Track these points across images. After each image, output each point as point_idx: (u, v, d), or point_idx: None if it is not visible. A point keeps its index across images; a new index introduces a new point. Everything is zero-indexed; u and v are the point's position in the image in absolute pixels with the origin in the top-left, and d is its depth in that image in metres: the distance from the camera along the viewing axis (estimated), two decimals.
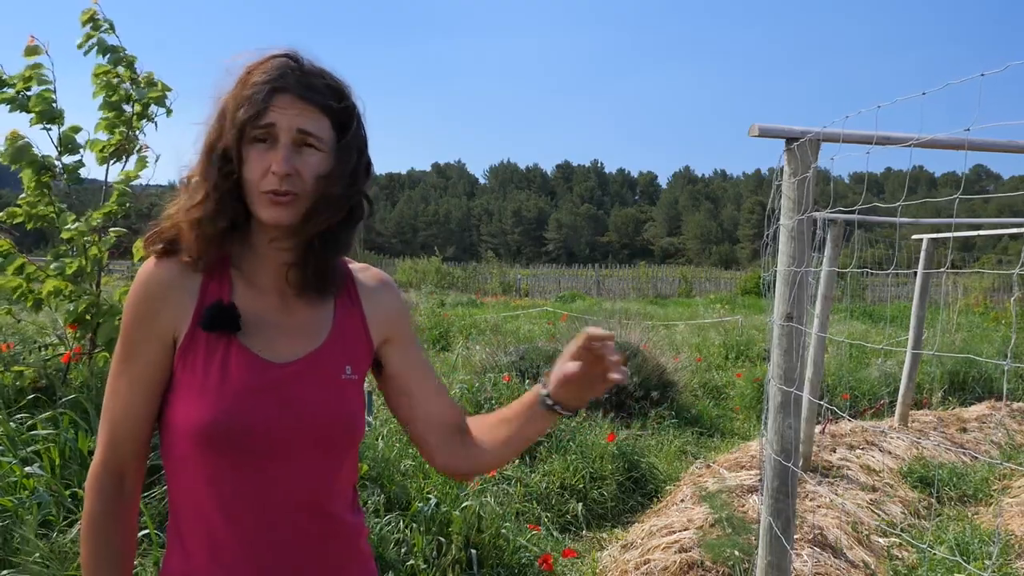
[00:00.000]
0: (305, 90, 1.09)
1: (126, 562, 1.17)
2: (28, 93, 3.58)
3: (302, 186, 1.09)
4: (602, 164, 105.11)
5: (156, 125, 3.86)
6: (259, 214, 1.10)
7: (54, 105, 3.61)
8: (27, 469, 2.83)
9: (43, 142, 3.88)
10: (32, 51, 3.56)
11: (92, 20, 3.72)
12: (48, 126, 3.63)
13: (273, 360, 1.13)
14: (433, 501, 3.35)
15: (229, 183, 1.10)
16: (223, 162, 1.10)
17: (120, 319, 3.77)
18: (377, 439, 3.96)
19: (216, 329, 1.11)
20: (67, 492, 2.85)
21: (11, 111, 3.54)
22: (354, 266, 1.28)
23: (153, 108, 3.84)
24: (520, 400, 1.22)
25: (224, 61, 1.13)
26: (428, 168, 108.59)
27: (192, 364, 1.11)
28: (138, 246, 3.72)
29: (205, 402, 1.09)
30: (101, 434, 1.16)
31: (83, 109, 3.94)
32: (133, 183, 3.81)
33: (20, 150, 3.53)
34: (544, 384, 1.17)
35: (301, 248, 1.14)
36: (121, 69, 3.77)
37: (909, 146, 2.12)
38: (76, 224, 3.53)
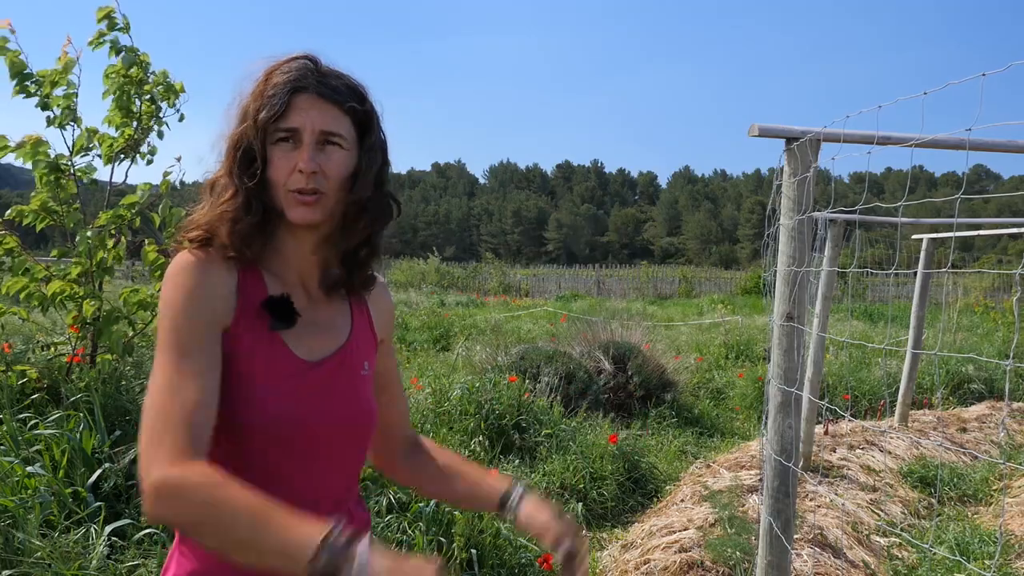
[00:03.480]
0: (325, 89, 1.11)
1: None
2: (55, 94, 3.58)
3: (327, 184, 1.12)
4: (602, 164, 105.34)
5: (168, 126, 3.86)
6: (287, 213, 1.12)
7: (75, 108, 3.62)
8: (28, 469, 2.83)
9: (55, 140, 3.88)
10: (68, 65, 3.57)
11: (108, 18, 3.69)
12: (65, 127, 3.64)
13: (306, 358, 1.15)
14: (434, 501, 3.36)
15: (255, 180, 1.11)
16: (247, 160, 1.11)
17: (121, 321, 3.75)
18: None
19: (283, 320, 1.13)
20: (68, 492, 2.85)
21: (37, 106, 3.56)
22: None
23: (165, 109, 3.84)
24: (486, 482, 1.32)
25: (243, 65, 1.15)
26: (428, 168, 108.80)
27: (235, 359, 1.09)
28: (148, 250, 3.72)
29: (251, 398, 1.08)
30: (159, 439, 0.97)
31: (93, 105, 3.94)
32: (154, 186, 3.82)
33: (36, 150, 3.55)
34: (512, 504, 1.27)
35: (340, 253, 1.19)
36: (134, 70, 3.76)
37: (910, 146, 2.12)
38: (89, 234, 3.53)
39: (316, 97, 1.11)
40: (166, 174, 3.83)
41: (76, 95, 3.62)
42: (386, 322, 1.34)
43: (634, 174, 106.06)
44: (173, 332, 1.05)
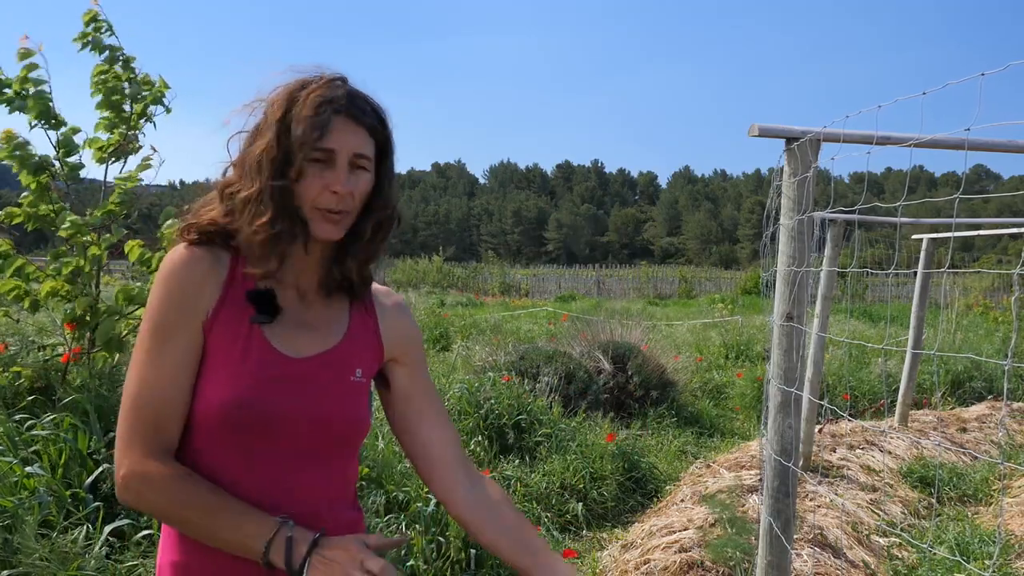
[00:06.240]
0: (357, 112, 1.14)
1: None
2: (27, 93, 3.58)
3: (352, 204, 1.16)
4: (602, 164, 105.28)
5: (155, 124, 3.88)
6: (313, 229, 1.15)
7: (51, 105, 3.62)
8: (27, 469, 2.83)
9: (42, 142, 3.89)
10: (25, 54, 3.57)
11: (93, 20, 3.75)
12: (46, 126, 3.64)
13: (288, 354, 1.17)
14: (433, 501, 3.35)
15: (288, 197, 1.13)
16: (282, 177, 1.12)
17: (118, 319, 3.73)
18: (377, 439, 3.96)
19: (264, 312, 1.15)
20: (67, 492, 2.85)
21: (10, 112, 3.56)
22: (376, 288, 1.33)
23: (152, 107, 3.85)
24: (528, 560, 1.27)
25: (272, 75, 1.16)
26: (428, 168, 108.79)
27: (214, 349, 1.14)
28: (131, 245, 3.72)
29: (226, 385, 1.12)
30: (132, 431, 1.10)
31: (83, 107, 3.95)
32: (137, 184, 3.82)
33: (16, 150, 3.54)
34: None
35: (346, 262, 1.21)
36: (119, 68, 3.78)
37: (909, 146, 2.12)
38: (73, 219, 3.52)
39: (350, 120, 1.13)
40: (146, 159, 3.83)
41: (50, 94, 3.62)
42: (400, 341, 1.31)
43: (634, 174, 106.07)
44: (153, 320, 1.13)
